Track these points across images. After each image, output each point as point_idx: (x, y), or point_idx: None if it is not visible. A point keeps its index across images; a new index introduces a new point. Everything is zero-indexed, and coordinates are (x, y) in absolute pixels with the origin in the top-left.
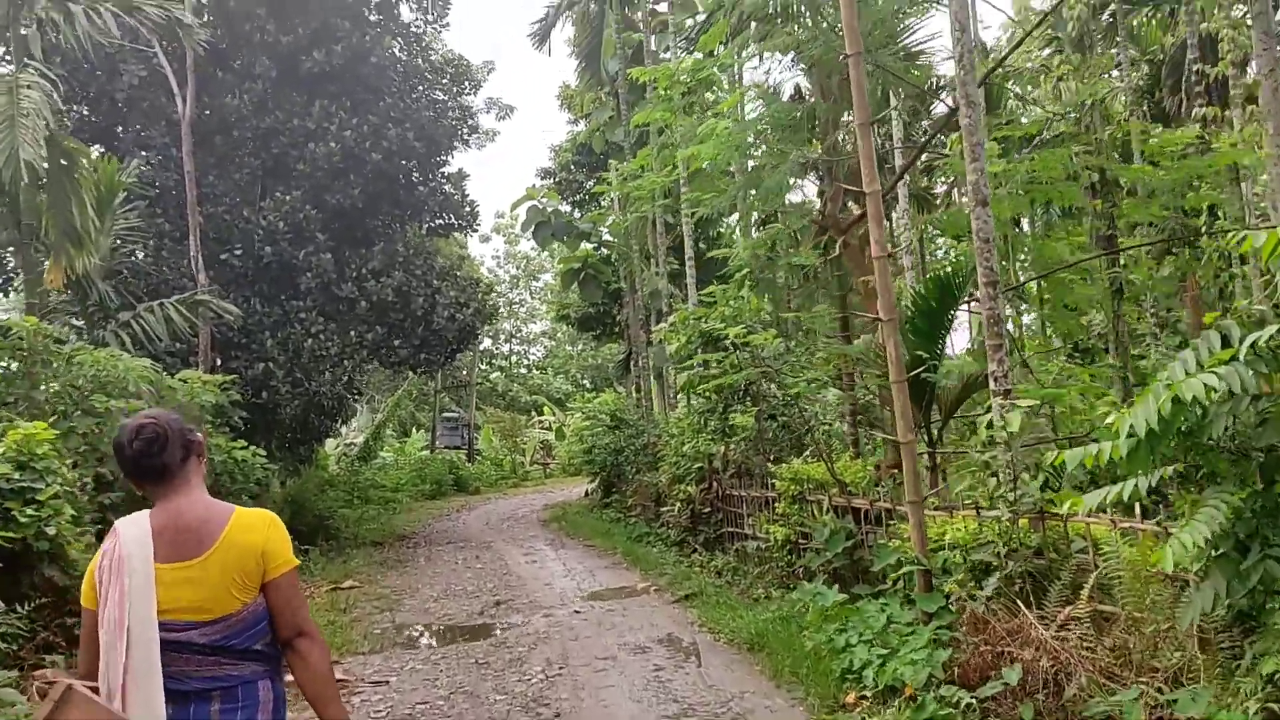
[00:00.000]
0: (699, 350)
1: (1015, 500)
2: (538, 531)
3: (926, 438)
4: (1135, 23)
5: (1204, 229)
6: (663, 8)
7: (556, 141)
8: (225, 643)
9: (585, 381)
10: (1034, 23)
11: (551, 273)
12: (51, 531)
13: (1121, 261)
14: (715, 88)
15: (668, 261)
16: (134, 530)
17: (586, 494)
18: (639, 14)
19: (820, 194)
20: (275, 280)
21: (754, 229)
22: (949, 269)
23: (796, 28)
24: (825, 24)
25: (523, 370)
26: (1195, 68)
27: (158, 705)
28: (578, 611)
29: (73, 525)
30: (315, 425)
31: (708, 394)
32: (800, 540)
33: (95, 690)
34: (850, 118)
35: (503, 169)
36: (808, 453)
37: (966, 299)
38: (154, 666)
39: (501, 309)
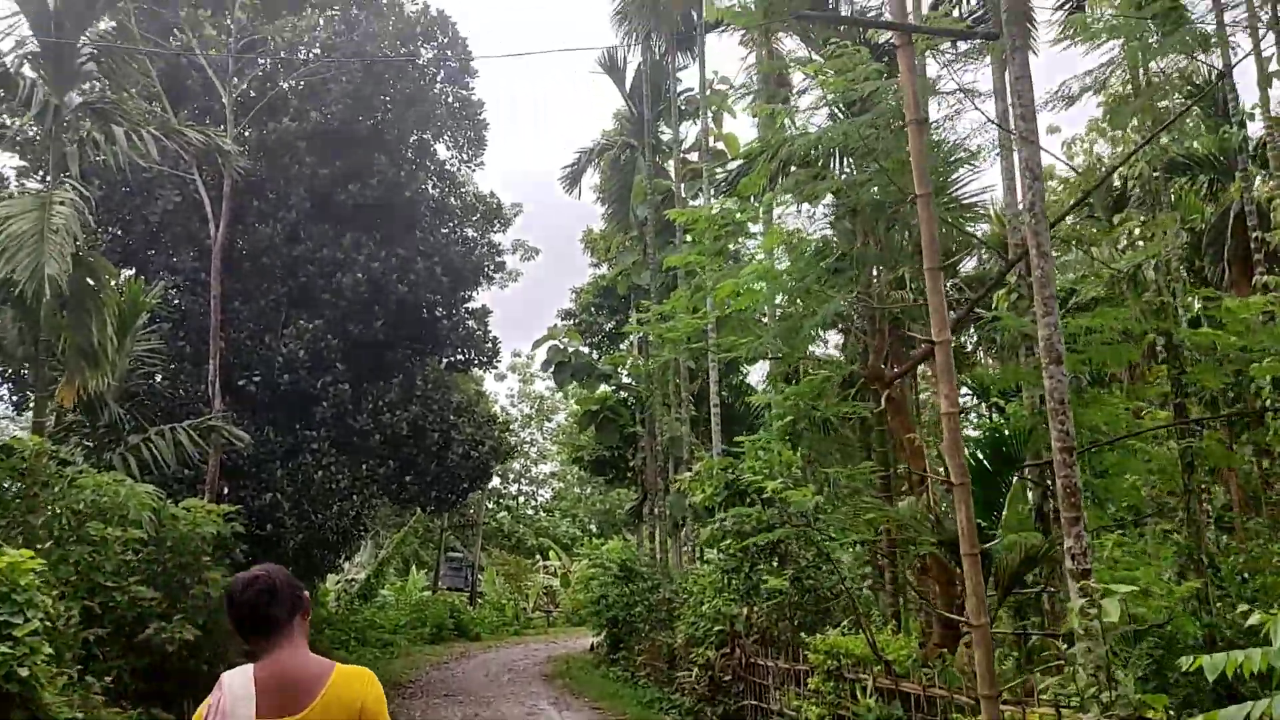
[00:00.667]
0: (726, 503)
1: (1111, 703)
2: (540, 688)
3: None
4: (1172, 193)
5: (1269, 403)
6: (693, 156)
7: (579, 284)
8: None
9: (593, 527)
10: (1080, 183)
11: (565, 414)
12: (24, 673)
13: (1174, 432)
14: (749, 236)
15: (688, 411)
16: (239, 684)
17: (592, 647)
18: (670, 161)
19: (858, 343)
20: (290, 409)
21: (780, 379)
22: (1004, 430)
23: (841, 172)
24: (876, 167)
25: (530, 511)
26: (1255, 234)
27: None
28: None
29: (50, 665)
30: (318, 560)
31: (733, 550)
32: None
33: None
34: (886, 266)
35: (522, 307)
36: (844, 623)
37: (1024, 464)
38: None
39: (514, 448)
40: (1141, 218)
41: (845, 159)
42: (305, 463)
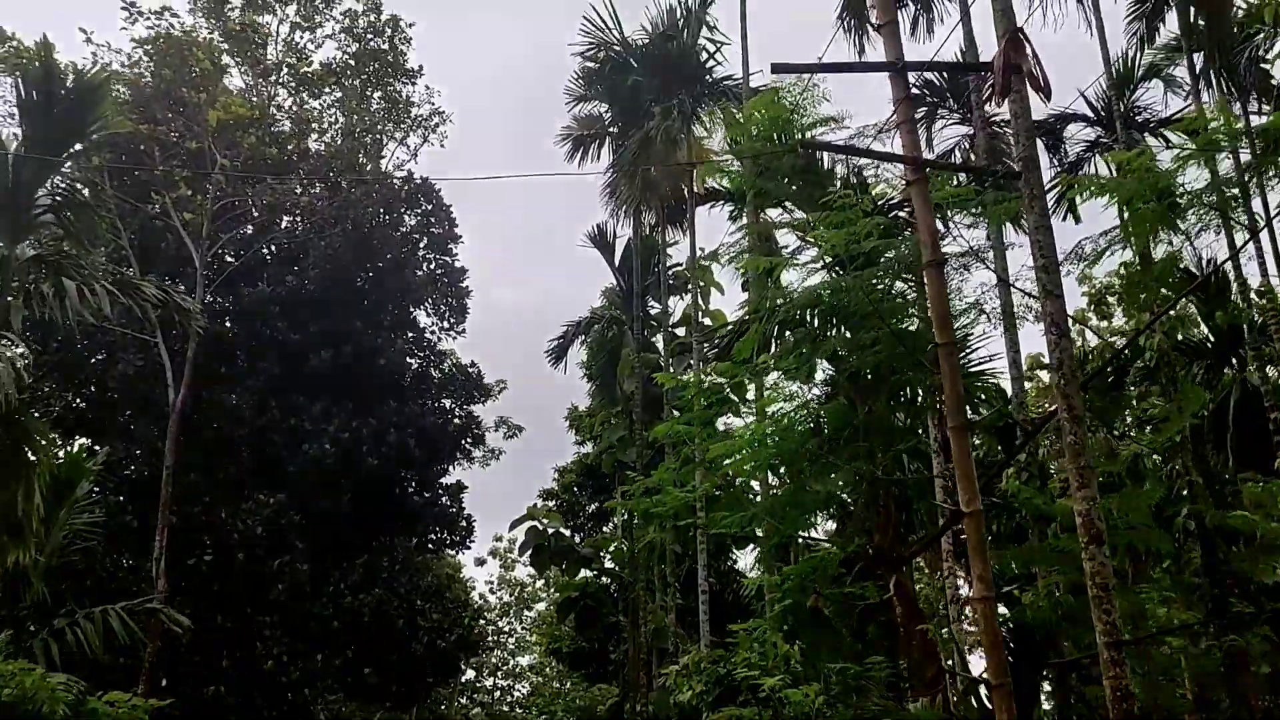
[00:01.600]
0: (716, 702)
1: None
2: None
3: None
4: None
5: None
6: (681, 332)
7: (562, 463)
8: None
9: None
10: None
11: (545, 602)
12: None
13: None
14: (739, 411)
15: (674, 599)
16: None
17: None
18: (658, 336)
19: (859, 521)
20: (242, 590)
21: (773, 559)
22: (1025, 622)
23: (837, 334)
24: (876, 330)
25: (505, 708)
26: (1274, 415)
27: None
28: None
29: None
30: None
31: None
32: None
33: None
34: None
35: (503, 488)
36: None
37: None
38: None
39: (489, 638)
40: (1155, 395)
41: (841, 326)
42: (256, 652)
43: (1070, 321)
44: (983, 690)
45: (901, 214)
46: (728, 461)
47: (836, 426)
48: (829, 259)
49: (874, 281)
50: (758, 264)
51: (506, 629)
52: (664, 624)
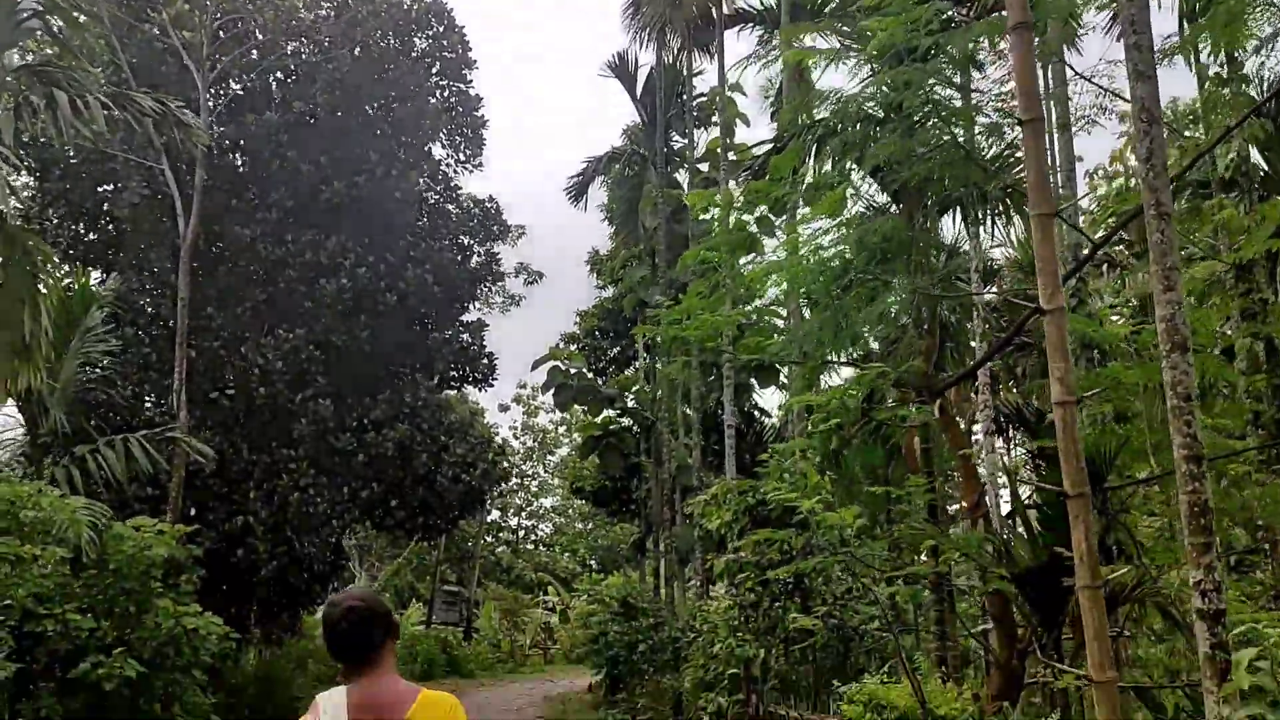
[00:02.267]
0: (744, 531)
1: None
2: None
3: (1057, 657)
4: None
5: None
6: (704, 167)
7: (583, 307)
8: None
9: (593, 562)
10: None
11: (568, 447)
12: None
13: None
14: (769, 236)
15: (697, 438)
16: (332, 706)
17: (590, 688)
18: (681, 172)
19: (910, 343)
20: (267, 425)
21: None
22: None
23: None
24: (937, 134)
25: (529, 546)
26: None
27: None
28: None
29: None
30: (301, 591)
31: (751, 584)
32: None
33: None
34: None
35: (526, 337)
36: (882, 670)
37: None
38: None
39: (514, 479)
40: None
41: (889, 132)
42: (281, 485)
43: (1110, 163)
44: (1031, 515)
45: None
46: (771, 279)
47: (888, 241)
48: (877, 53)
49: (932, 82)
50: (798, 56)
51: (530, 472)
52: (686, 461)
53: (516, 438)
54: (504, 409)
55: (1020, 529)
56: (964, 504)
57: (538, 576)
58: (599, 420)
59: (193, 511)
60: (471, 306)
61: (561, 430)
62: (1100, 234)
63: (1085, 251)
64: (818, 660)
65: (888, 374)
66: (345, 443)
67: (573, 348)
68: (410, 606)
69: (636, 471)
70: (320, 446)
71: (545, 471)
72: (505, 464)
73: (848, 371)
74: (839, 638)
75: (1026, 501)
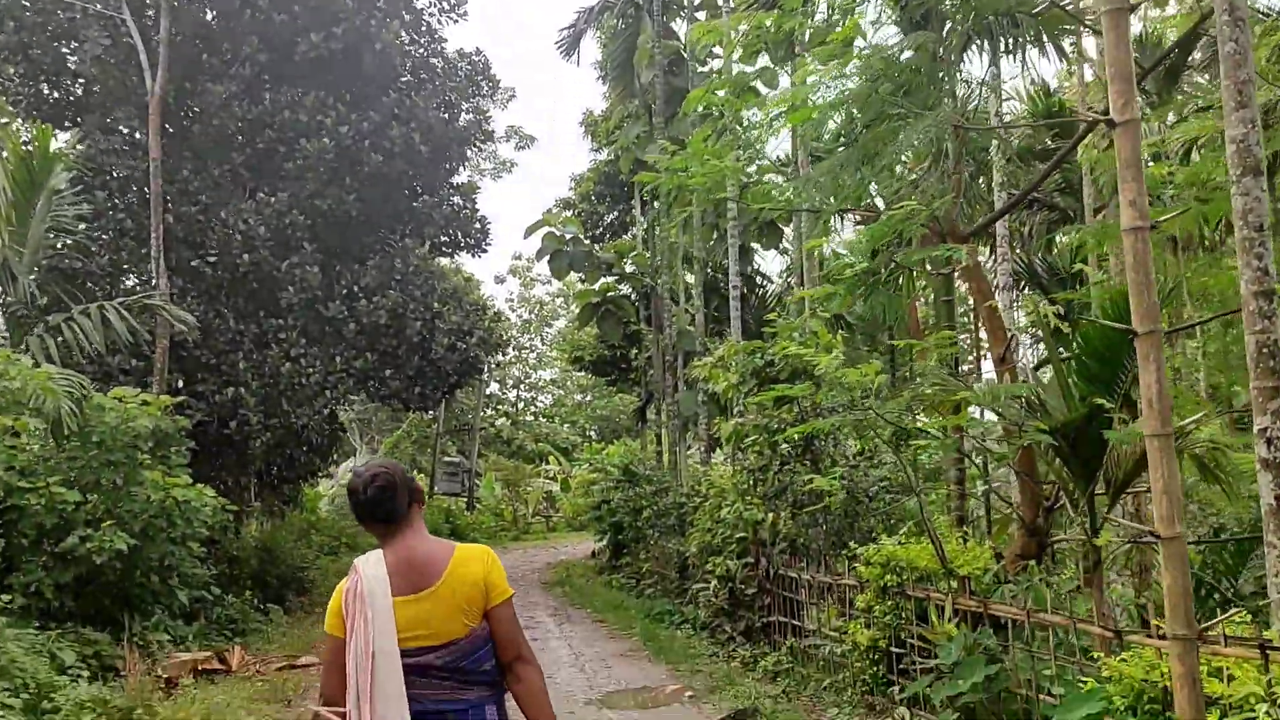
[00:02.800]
0: (753, 392)
1: None
2: (539, 597)
3: (1089, 518)
4: None
5: None
6: (702, 16)
7: (578, 170)
8: (457, 664)
9: (593, 433)
10: None
11: (565, 319)
12: None
13: None
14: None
15: (699, 303)
16: (372, 568)
17: (593, 554)
18: (677, 23)
19: (940, 181)
20: (253, 294)
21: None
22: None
23: None
24: None
25: (529, 418)
26: None
27: None
28: None
29: None
30: (301, 462)
31: (759, 448)
32: (896, 649)
33: (341, 715)
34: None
35: (521, 207)
36: (903, 530)
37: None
38: (400, 689)
39: (511, 352)
40: None
41: None
42: (272, 355)
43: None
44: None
45: None
46: (779, 121)
47: (914, 73)
48: None
49: None
50: None
51: (527, 344)
52: (688, 327)
53: (513, 310)
54: (500, 281)
55: (1050, 382)
56: (992, 356)
57: (538, 447)
58: (597, 287)
59: (181, 384)
60: (462, 168)
61: (559, 302)
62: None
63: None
64: (828, 524)
65: (918, 212)
66: (336, 311)
67: (568, 213)
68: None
69: (636, 340)
70: (310, 315)
71: (543, 344)
72: (502, 332)
73: (850, 237)
74: (850, 500)
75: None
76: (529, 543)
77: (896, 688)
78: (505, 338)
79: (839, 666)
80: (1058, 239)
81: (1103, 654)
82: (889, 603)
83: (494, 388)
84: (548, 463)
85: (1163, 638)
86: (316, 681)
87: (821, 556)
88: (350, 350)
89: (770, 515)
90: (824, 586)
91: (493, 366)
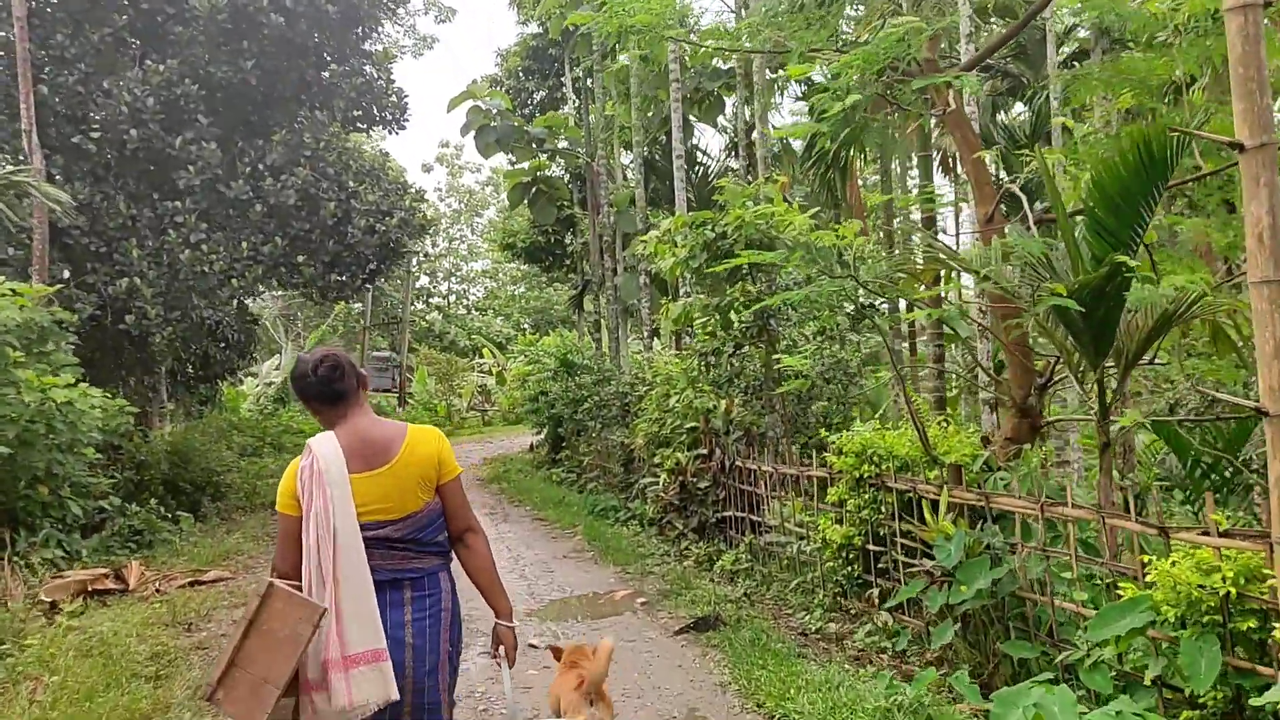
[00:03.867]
0: (701, 270)
1: None
2: (475, 494)
3: (1099, 393)
4: None
5: None
6: None
7: (505, 45)
8: (414, 535)
9: (527, 325)
10: None
11: (495, 208)
12: None
13: None
14: None
15: (638, 177)
16: (327, 447)
17: (531, 447)
18: None
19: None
20: (146, 174)
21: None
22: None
23: None
24: None
25: (461, 311)
26: None
27: (368, 593)
28: (532, 645)
29: None
30: (217, 360)
31: (712, 328)
32: (874, 548)
33: (296, 587)
34: None
35: (444, 88)
36: (879, 412)
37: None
38: (362, 561)
39: (442, 242)
40: None
41: None
42: (170, 240)
43: None
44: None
45: None
46: None
47: None
48: None
49: None
50: None
51: (458, 236)
52: (627, 206)
53: (442, 199)
54: (427, 170)
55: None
56: (978, 216)
57: (472, 341)
58: (527, 166)
59: (67, 274)
60: (375, 34)
61: (489, 191)
62: None
63: None
64: (784, 410)
65: (917, 30)
66: (239, 192)
67: (496, 88)
68: None
69: (571, 224)
70: (211, 198)
71: (474, 234)
72: (424, 212)
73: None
74: (809, 384)
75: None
76: (464, 437)
77: (875, 590)
78: (430, 219)
79: (805, 565)
80: (1015, 107)
81: (1130, 554)
82: (865, 495)
83: (424, 281)
84: (482, 356)
85: (1227, 535)
86: (224, 601)
87: (778, 445)
88: (258, 235)
89: (723, 402)
90: (786, 479)
91: (421, 258)
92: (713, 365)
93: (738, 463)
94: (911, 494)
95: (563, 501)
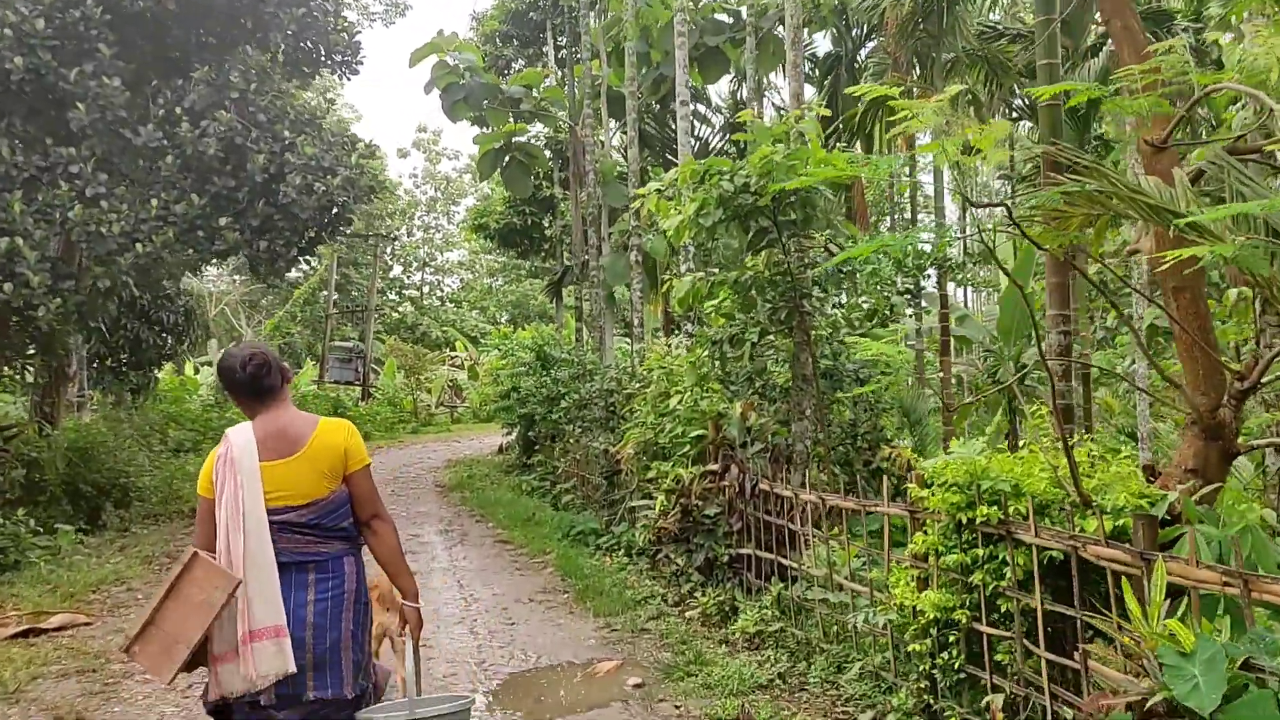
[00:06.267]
0: (714, 231)
1: None
2: (431, 505)
3: None
4: None
5: None
6: None
7: (481, 7)
8: (318, 520)
9: (502, 318)
10: None
11: (474, 195)
12: None
13: None
14: None
15: (635, 126)
16: (242, 437)
17: (501, 449)
18: None
19: None
20: (33, 114)
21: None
22: None
23: None
24: None
25: (435, 303)
26: None
27: (272, 574)
28: None
29: None
30: (150, 344)
31: (732, 311)
32: (985, 628)
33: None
34: None
35: (424, 71)
36: (999, 420)
37: None
38: (266, 542)
39: (418, 232)
40: None
41: None
42: (61, 194)
43: None
44: None
45: None
46: None
47: None
48: None
49: None
50: None
51: (433, 225)
52: (615, 178)
53: (418, 187)
54: (403, 155)
55: None
56: (1140, 141)
57: (444, 333)
58: (502, 130)
59: None
60: None
61: (467, 180)
62: None
63: None
64: (830, 417)
65: None
66: (149, 138)
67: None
68: (305, 366)
69: (550, 206)
70: (113, 144)
71: (450, 224)
72: (376, 171)
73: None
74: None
75: None
76: (429, 435)
77: (997, 698)
78: (380, 179)
79: (868, 640)
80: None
81: None
82: (976, 550)
83: (397, 270)
84: (454, 349)
85: None
86: (56, 664)
87: (807, 464)
88: (170, 190)
89: (739, 405)
90: (836, 512)
91: (395, 244)
92: (730, 357)
93: (761, 485)
94: (1066, 554)
95: (532, 519)
